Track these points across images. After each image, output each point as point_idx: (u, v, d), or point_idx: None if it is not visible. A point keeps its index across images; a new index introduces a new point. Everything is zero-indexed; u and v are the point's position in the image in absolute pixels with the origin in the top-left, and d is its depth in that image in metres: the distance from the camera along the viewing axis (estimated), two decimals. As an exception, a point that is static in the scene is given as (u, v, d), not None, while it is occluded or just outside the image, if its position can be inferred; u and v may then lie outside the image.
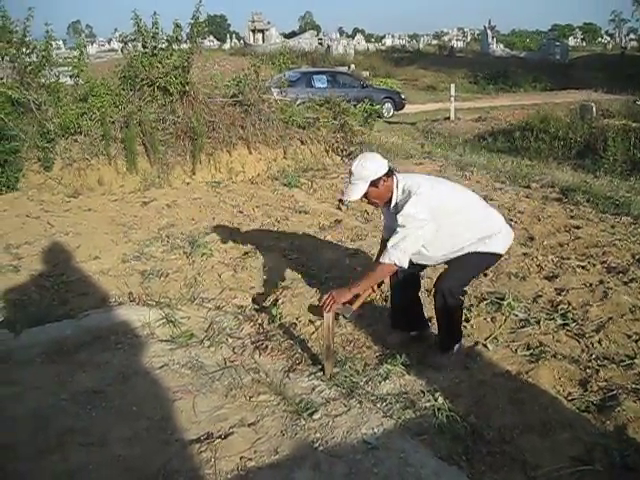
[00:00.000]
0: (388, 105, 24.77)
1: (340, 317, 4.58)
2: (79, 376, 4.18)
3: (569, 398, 3.88)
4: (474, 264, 4.26)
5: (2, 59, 10.65)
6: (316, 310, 4.56)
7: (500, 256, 4.39)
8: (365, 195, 4.03)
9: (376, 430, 3.53)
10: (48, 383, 4.09)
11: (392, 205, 4.13)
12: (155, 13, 11.06)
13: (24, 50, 10.48)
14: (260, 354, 4.52)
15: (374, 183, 3.99)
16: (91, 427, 3.62)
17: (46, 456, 3.37)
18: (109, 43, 63.94)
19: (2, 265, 6.22)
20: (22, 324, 4.89)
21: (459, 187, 4.48)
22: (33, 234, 7.23)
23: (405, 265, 3.95)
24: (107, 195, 9.47)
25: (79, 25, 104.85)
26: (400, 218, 3.95)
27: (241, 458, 3.31)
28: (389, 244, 3.96)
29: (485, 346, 4.54)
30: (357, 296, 4.12)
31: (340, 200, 8.82)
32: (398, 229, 3.94)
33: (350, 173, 4.02)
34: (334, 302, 3.99)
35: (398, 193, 4.08)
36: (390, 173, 4.06)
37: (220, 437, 3.50)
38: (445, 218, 4.05)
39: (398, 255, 3.92)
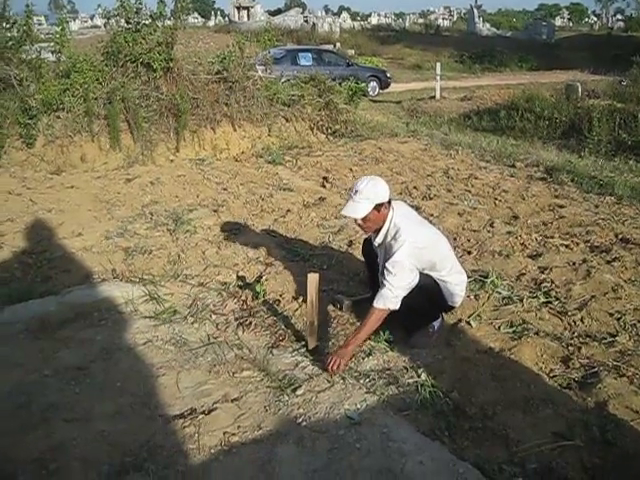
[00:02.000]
0: (373, 84, 24.67)
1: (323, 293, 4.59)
2: (62, 352, 4.18)
3: (551, 375, 3.92)
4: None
5: (-19, 34, 10.51)
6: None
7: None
8: (364, 218, 4.04)
9: (359, 406, 3.55)
10: (31, 359, 4.08)
11: (380, 236, 4.20)
12: (139, -12, 10.91)
13: (4, 25, 10.38)
14: (244, 330, 4.51)
15: (377, 207, 4.01)
16: (75, 403, 3.63)
17: (30, 432, 3.38)
18: (92, 19, 63.37)
19: (-16, 243, 6.18)
20: (4, 301, 4.87)
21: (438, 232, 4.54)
22: (15, 211, 7.17)
23: (396, 307, 3.99)
24: (90, 172, 9.38)
25: (61, 1, 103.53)
26: (390, 265, 3.98)
27: (224, 433, 3.33)
28: (383, 290, 3.98)
29: (468, 323, 4.58)
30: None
31: (325, 178, 8.82)
32: (388, 277, 3.97)
33: (355, 191, 4.00)
34: (340, 362, 3.93)
35: (387, 229, 4.14)
36: (389, 203, 4.11)
37: (204, 412, 3.51)
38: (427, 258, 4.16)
39: (392, 301, 3.96)
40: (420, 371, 3.89)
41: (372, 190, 3.98)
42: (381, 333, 4.23)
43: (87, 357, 4.11)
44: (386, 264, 4.00)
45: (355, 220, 4.13)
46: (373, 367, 4.01)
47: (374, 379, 3.83)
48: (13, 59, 10.23)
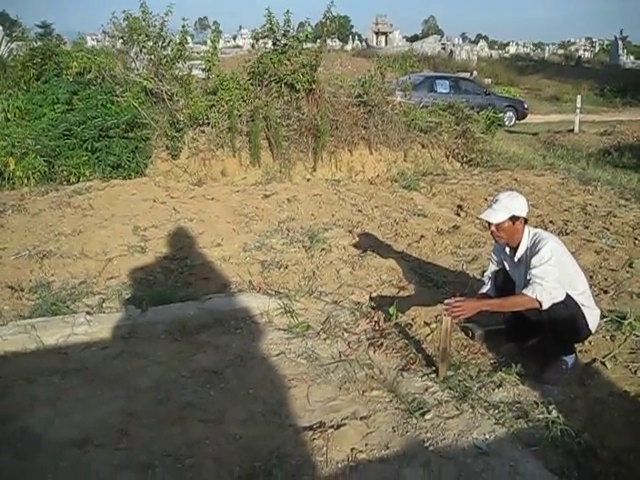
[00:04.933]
0: (510, 114, 24.26)
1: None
2: (199, 356, 4.38)
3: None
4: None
5: (140, 51, 11.14)
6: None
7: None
8: (499, 225, 4.13)
9: (487, 436, 3.51)
10: (170, 359, 4.31)
11: (520, 250, 4.24)
12: (288, 11, 11.27)
13: (160, 43, 10.93)
14: (375, 351, 4.54)
15: (514, 219, 4.11)
16: (209, 405, 3.79)
17: (167, 427, 3.55)
18: (234, 39, 65.35)
19: (130, 245, 6.57)
20: (148, 302, 5.13)
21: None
22: (159, 218, 7.56)
23: (545, 305, 3.95)
24: (230, 186, 9.74)
25: (206, 21, 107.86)
26: (536, 260, 4.00)
27: (352, 449, 3.36)
28: (533, 284, 3.96)
29: (603, 364, 4.41)
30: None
31: (459, 206, 8.75)
32: (535, 271, 3.98)
33: (495, 200, 4.17)
34: (462, 311, 4.02)
35: (527, 241, 4.20)
36: (526, 221, 4.20)
37: (332, 427, 3.56)
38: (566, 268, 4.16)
39: (542, 293, 3.92)
40: (551, 407, 3.79)
41: (511, 202, 4.12)
42: (513, 366, 4.16)
43: (222, 362, 4.29)
44: (532, 260, 4.03)
45: (489, 227, 4.21)
46: (503, 399, 3.93)
47: (503, 411, 3.75)
48: (166, 75, 10.77)
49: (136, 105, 10.25)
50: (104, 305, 5.24)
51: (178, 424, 3.57)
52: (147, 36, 10.78)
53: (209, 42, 12.15)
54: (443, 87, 22.78)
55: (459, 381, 4.09)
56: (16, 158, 9.16)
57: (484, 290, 4.60)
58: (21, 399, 3.83)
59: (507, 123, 23.38)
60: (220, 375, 4.12)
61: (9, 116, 10.52)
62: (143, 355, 4.36)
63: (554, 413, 3.72)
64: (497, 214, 4.10)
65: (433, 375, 4.20)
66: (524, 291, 4.00)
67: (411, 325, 4.97)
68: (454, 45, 51.28)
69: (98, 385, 3.98)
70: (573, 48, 67.49)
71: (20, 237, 6.83)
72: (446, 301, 4.16)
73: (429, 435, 3.51)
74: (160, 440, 3.43)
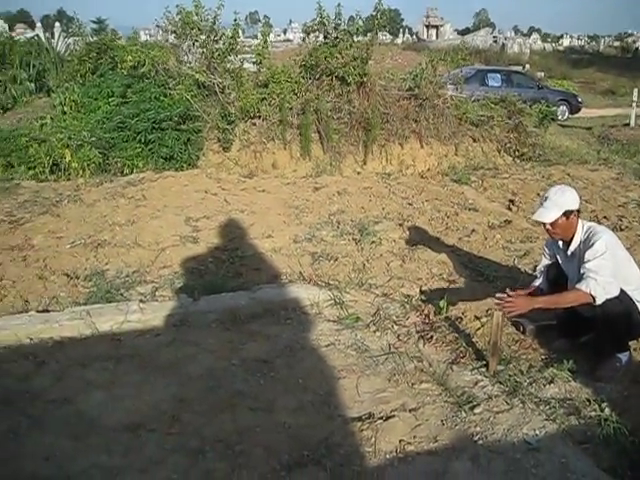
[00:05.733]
0: (563, 108, 23.82)
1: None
2: (250, 345, 4.43)
3: None
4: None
5: (193, 45, 11.27)
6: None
7: None
8: (553, 223, 4.08)
9: (537, 432, 3.47)
10: (221, 348, 4.37)
11: (573, 244, 4.19)
12: (339, 5, 11.28)
13: (212, 37, 11.05)
14: (425, 343, 4.53)
15: (567, 214, 4.05)
16: (259, 393, 3.83)
17: (218, 414, 3.61)
18: (284, 33, 65.56)
19: (183, 236, 6.67)
20: (199, 291, 5.21)
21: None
22: (211, 209, 7.66)
23: (599, 300, 3.89)
24: (280, 178, 9.81)
25: (257, 15, 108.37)
26: (590, 254, 3.96)
27: (400, 441, 3.37)
28: (587, 278, 3.92)
29: (659, 362, 4.34)
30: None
31: (511, 200, 8.65)
32: (589, 265, 3.94)
33: (545, 198, 4.10)
34: (514, 308, 4.01)
35: (581, 234, 4.15)
36: (578, 212, 4.14)
37: (381, 418, 3.57)
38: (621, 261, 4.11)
39: (596, 287, 3.87)
40: (604, 405, 3.72)
41: (562, 197, 4.06)
42: (564, 362, 4.11)
43: (272, 352, 4.33)
44: (585, 254, 3.98)
45: (544, 225, 4.17)
46: (554, 395, 3.89)
47: (554, 407, 3.71)
48: (218, 69, 10.89)
49: (188, 98, 10.39)
50: (157, 293, 5.34)
51: (229, 411, 3.63)
52: (200, 30, 10.92)
53: (260, 35, 12.23)
54: (495, 80, 22.49)
55: (509, 376, 4.05)
56: (72, 150, 9.36)
57: (536, 284, 4.56)
58: (76, 383, 3.93)
59: (560, 117, 22.96)
60: (270, 364, 4.16)
61: (65, 109, 10.77)
62: (194, 343, 4.42)
63: (607, 411, 3.66)
64: (549, 212, 4.04)
65: (483, 369, 4.17)
66: (577, 286, 3.94)
67: (461, 319, 4.94)
68: (506, 38, 50.58)
69: (150, 372, 4.07)
70: (630, 40, 65.92)
71: (76, 226, 6.98)
72: (497, 295, 4.15)
73: (478, 429, 3.50)
74: (211, 426, 3.49)
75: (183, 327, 4.67)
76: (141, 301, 5.03)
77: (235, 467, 3.17)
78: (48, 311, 4.93)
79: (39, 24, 43.49)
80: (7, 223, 7.09)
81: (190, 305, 4.95)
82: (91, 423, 3.53)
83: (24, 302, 5.20)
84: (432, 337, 4.62)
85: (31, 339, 4.44)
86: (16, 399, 3.74)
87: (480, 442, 3.38)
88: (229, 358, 4.23)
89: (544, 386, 3.98)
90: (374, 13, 11.44)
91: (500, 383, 3.98)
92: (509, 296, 4.04)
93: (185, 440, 3.37)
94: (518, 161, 11.84)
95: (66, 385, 3.91)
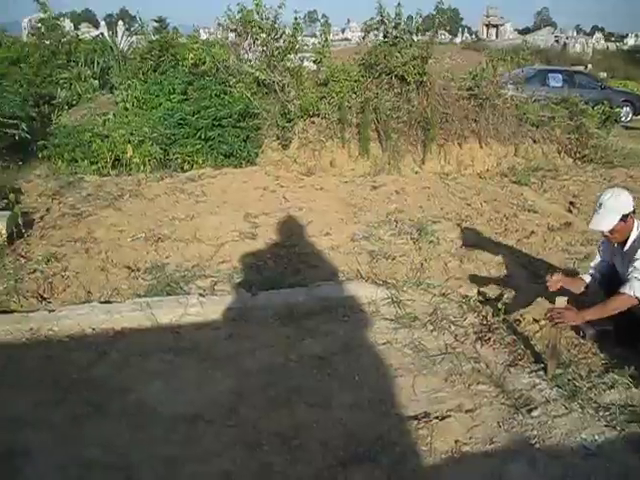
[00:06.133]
0: (626, 109, 23.26)
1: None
2: (307, 341, 4.47)
3: None
4: None
5: (253, 43, 11.38)
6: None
7: None
8: (611, 229, 4.04)
9: (597, 437, 3.42)
10: (279, 343, 4.42)
11: (627, 245, 4.15)
12: (399, 4, 11.25)
13: (273, 35, 11.15)
14: (482, 345, 4.50)
15: (624, 218, 4.00)
16: (316, 389, 3.87)
17: (275, 409, 3.66)
18: (342, 32, 65.49)
19: (241, 232, 6.75)
20: (257, 287, 5.27)
21: None
22: (270, 206, 7.73)
23: None
24: (338, 176, 9.81)
25: (315, 15, 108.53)
26: (639, 253, 3.93)
27: (456, 441, 3.36)
28: (632, 280, 3.89)
29: None
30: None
31: (572, 202, 8.52)
32: (636, 264, 3.92)
33: (600, 204, 4.05)
34: (563, 320, 3.97)
35: (636, 233, 4.11)
36: (634, 212, 4.09)
37: (437, 418, 3.57)
38: None
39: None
40: (667, 413, 3.66)
41: (616, 202, 4.00)
42: (625, 368, 4.04)
43: (329, 349, 4.35)
44: (635, 255, 3.95)
45: (602, 232, 4.14)
46: (614, 401, 3.82)
47: (615, 413, 3.64)
48: (278, 67, 10.97)
49: (248, 95, 10.50)
50: (216, 288, 5.41)
51: (286, 406, 3.67)
52: (260, 28, 11.02)
53: (318, 34, 12.28)
54: (556, 81, 22.09)
55: (568, 380, 4.00)
56: (133, 145, 9.54)
57: (586, 278, 4.51)
58: (136, 373, 4.02)
59: (624, 119, 22.43)
60: (327, 361, 4.19)
61: (127, 105, 10.94)
62: (252, 338, 4.48)
63: (670, 419, 3.58)
64: (606, 220, 4.01)
65: (541, 372, 4.13)
66: (621, 290, 3.92)
67: (519, 321, 4.89)
68: (568, 37, 49.75)
69: (209, 365, 4.14)
70: (701, 38, 63.94)
71: (136, 220, 7.12)
72: (548, 307, 4.11)
73: (535, 432, 3.46)
74: (268, 420, 3.53)
75: (241, 321, 4.73)
76: (200, 295, 5.12)
77: (292, 461, 3.21)
78: (110, 302, 5.05)
79: (102, 23, 44.47)
80: (71, 216, 7.27)
81: (248, 300, 5.01)
82: (150, 413, 3.61)
83: (87, 293, 5.34)
84: (490, 338, 4.58)
85: (93, 329, 4.56)
86: (78, 387, 3.85)
87: (537, 445, 3.36)
88: (286, 354, 4.27)
89: (604, 391, 3.92)
90: (434, 12, 11.40)
91: (558, 387, 3.93)
92: (558, 309, 3.99)
93: (242, 433, 3.42)
94: (579, 163, 11.62)
95: (126, 375, 4.00)
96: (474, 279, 5.71)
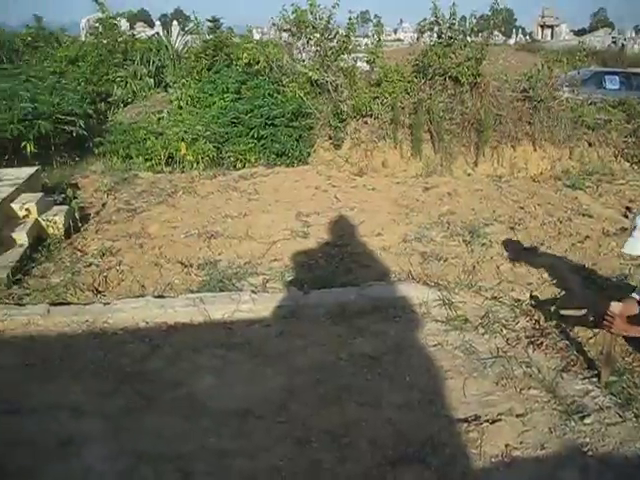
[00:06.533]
0: (686, 113, 22.77)
1: None
2: (358, 340, 4.48)
3: None
4: None
5: (307, 43, 11.43)
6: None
7: None
8: None
9: (652, 447, 3.35)
10: (330, 342, 4.44)
11: None
12: (454, 4, 11.18)
13: (326, 35, 11.17)
14: (534, 349, 4.45)
15: None
16: (366, 388, 3.88)
17: (325, 406, 3.68)
18: (395, 33, 65.20)
19: (293, 230, 6.81)
20: (309, 285, 5.31)
21: None
22: (321, 206, 7.77)
23: None
24: (390, 177, 9.80)
25: (367, 15, 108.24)
26: None
27: (507, 446, 3.34)
28: None
29: None
30: None
31: (628, 207, 8.36)
32: None
33: (634, 227, 3.87)
34: (611, 327, 3.87)
35: None
36: None
37: (488, 421, 3.55)
38: None
39: None
40: None
41: None
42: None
43: (380, 349, 4.36)
44: None
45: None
46: (671, 411, 3.75)
47: (671, 424, 3.58)
48: (331, 67, 10.99)
49: (301, 95, 10.58)
50: (267, 285, 5.47)
51: (336, 404, 3.69)
52: (314, 28, 11.05)
53: (371, 35, 12.27)
54: (613, 83, 21.61)
55: (623, 388, 3.93)
56: (187, 143, 9.69)
57: (636, 296, 4.34)
58: (188, 367, 4.10)
59: (683, 122, 21.94)
60: (377, 361, 4.19)
61: (182, 104, 11.13)
62: (303, 336, 4.51)
63: None
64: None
65: (594, 379, 4.06)
66: None
67: (572, 326, 4.83)
68: (626, 39, 48.71)
69: (260, 361, 4.18)
70: None
71: (190, 217, 7.23)
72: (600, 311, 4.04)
73: (588, 440, 3.42)
74: (318, 418, 3.56)
75: (293, 319, 4.76)
76: (252, 292, 5.18)
77: (341, 459, 3.23)
78: (163, 297, 5.15)
79: (157, 22, 45.08)
80: (125, 211, 7.42)
81: (300, 298, 5.04)
82: (202, 406, 3.68)
83: (141, 287, 5.45)
84: (542, 343, 4.53)
85: (147, 322, 4.66)
86: (132, 379, 3.94)
87: (590, 453, 3.31)
88: (337, 352, 4.29)
89: (660, 401, 3.85)
90: (489, 13, 11.31)
91: (612, 395, 3.87)
92: (609, 314, 3.88)
93: (292, 429, 3.46)
94: (636, 167, 11.38)
95: (179, 368, 4.08)
96: (526, 283, 5.65)
